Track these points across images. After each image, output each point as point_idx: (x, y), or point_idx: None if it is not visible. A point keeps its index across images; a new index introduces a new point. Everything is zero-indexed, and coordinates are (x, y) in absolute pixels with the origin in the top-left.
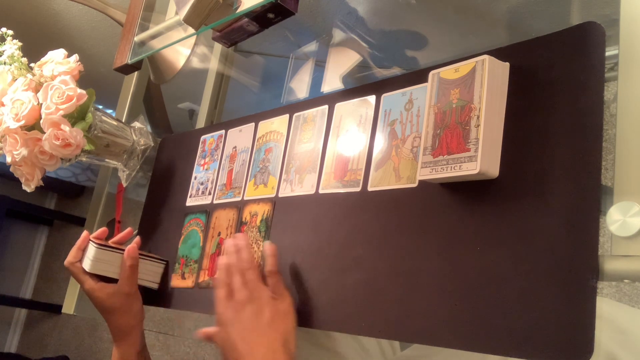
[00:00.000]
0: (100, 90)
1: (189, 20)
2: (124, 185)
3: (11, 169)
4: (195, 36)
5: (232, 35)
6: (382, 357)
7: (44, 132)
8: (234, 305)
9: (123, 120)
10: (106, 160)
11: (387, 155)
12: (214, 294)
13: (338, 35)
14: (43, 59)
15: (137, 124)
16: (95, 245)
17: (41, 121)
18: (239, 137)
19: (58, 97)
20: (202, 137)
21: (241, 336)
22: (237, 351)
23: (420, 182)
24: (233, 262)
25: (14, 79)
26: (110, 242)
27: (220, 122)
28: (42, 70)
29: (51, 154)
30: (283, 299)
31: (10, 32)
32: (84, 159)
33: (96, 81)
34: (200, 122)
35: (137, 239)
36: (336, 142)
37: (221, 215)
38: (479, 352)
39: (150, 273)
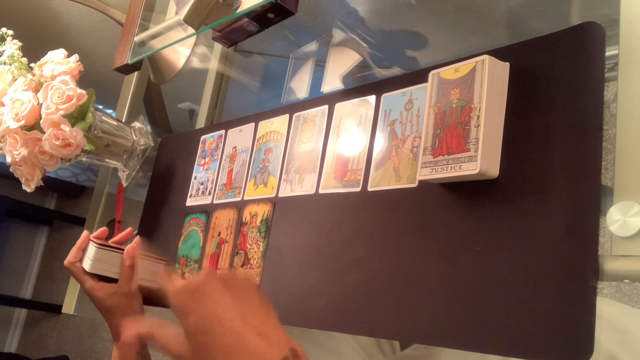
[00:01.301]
0: (100, 90)
1: (189, 20)
2: (124, 185)
3: (11, 169)
4: (195, 36)
5: (232, 35)
6: (382, 357)
7: (44, 132)
8: None
9: (123, 120)
10: (106, 160)
11: (387, 155)
12: None
13: (338, 35)
14: (43, 59)
15: (137, 124)
16: (95, 245)
17: (41, 121)
18: (239, 137)
19: (58, 97)
20: (202, 137)
21: None
22: None
23: (420, 182)
24: None
25: (14, 79)
26: (110, 242)
27: (220, 122)
28: (42, 70)
29: (51, 154)
30: None
31: (10, 32)
32: (84, 159)
33: (96, 81)
34: (200, 122)
35: (137, 238)
36: (336, 142)
37: (221, 215)
38: (478, 352)
39: (150, 273)
